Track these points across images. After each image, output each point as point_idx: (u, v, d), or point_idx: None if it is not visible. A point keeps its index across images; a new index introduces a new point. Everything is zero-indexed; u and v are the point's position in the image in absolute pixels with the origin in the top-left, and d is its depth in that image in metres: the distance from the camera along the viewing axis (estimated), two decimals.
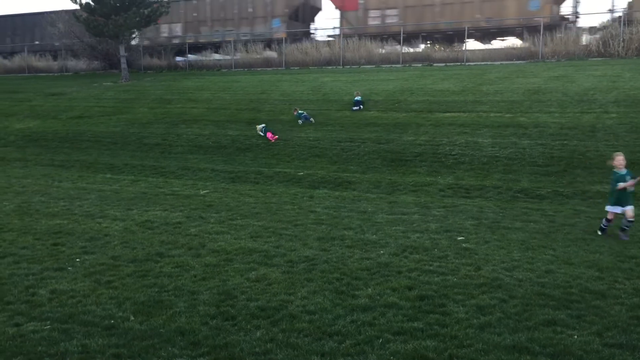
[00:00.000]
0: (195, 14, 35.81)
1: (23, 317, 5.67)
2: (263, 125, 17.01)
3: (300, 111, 18.30)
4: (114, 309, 5.82)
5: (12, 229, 9.00)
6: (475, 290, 6.11)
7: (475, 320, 5.36)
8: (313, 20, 37.31)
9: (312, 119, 17.90)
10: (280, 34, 33.07)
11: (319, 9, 37.57)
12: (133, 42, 36.68)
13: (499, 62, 26.95)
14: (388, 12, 31.10)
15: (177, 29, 36.47)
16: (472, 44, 31.07)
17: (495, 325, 5.25)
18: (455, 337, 5.04)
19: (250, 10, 34.41)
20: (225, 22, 35.14)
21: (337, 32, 33.80)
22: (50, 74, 37.00)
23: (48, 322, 5.55)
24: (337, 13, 33.06)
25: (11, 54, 40.18)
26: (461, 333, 5.12)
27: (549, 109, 16.88)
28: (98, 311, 5.76)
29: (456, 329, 5.20)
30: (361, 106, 18.99)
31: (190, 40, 35.54)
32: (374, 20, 31.57)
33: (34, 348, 5.04)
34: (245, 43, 33.22)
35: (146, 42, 36.36)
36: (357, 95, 19.50)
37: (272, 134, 16.51)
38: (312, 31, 36.65)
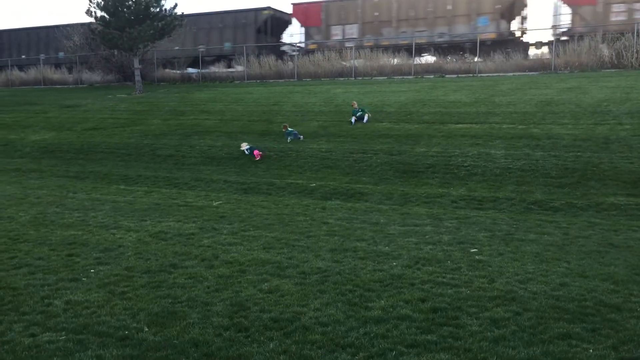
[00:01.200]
0: (376, 14, 31.77)
1: (39, 328, 5.73)
2: (248, 146, 16.43)
3: (289, 129, 17.85)
4: (128, 319, 5.86)
5: (27, 239, 9.10)
6: (489, 302, 6.08)
7: (489, 333, 5.33)
8: (516, 18, 32.26)
9: (301, 137, 17.52)
10: (489, 34, 29.15)
11: (525, 5, 32.10)
12: (290, 47, 33.88)
13: (511, 74, 26.92)
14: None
15: (353, 30, 32.42)
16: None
17: (509, 339, 5.22)
18: (469, 350, 5.02)
19: (449, 7, 30.03)
20: (415, 21, 30.93)
21: (554, 31, 30.01)
22: (66, 86, 37.46)
23: (63, 332, 5.60)
24: (565, 9, 29.42)
25: (27, 65, 40.75)
26: (475, 346, 5.09)
27: (562, 120, 16.81)
28: (112, 322, 5.80)
29: (470, 342, 5.18)
30: (365, 119, 18.61)
31: (369, 43, 31.48)
32: (617, 15, 27.60)
33: (50, 358, 5.09)
34: (437, 47, 29.65)
35: (312, 46, 33.20)
36: (354, 106, 19.18)
37: (259, 151, 16.17)
38: (520, 30, 31.91)
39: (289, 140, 17.32)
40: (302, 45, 35.19)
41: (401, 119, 18.84)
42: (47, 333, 5.60)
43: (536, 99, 19.51)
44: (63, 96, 31.01)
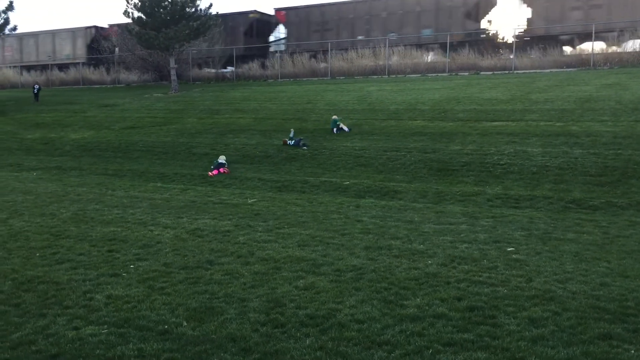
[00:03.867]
0: None
1: (81, 321, 5.89)
2: (223, 160, 15.70)
3: (291, 137, 17.42)
4: (168, 314, 5.98)
5: (69, 235, 9.35)
6: (526, 302, 6.01)
7: (527, 333, 5.27)
8: None
9: (291, 141, 17.14)
10: None
11: None
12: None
13: (548, 70, 26.42)
14: None
15: None
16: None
17: (548, 338, 5.15)
18: (507, 350, 4.97)
19: None
20: None
21: None
22: (104, 86, 38.25)
23: (105, 326, 5.75)
24: None
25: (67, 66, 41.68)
26: (513, 345, 5.04)
27: (601, 117, 16.44)
28: (152, 316, 5.93)
29: (508, 341, 5.13)
30: (346, 129, 18.17)
31: None
32: None
33: (93, 351, 5.23)
34: None
35: None
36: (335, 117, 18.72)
37: (221, 170, 15.18)
38: None
39: (291, 144, 17.10)
40: None
41: (435, 117, 18.69)
42: (90, 326, 5.75)
43: (574, 95, 19.13)
44: (101, 96, 31.69)
